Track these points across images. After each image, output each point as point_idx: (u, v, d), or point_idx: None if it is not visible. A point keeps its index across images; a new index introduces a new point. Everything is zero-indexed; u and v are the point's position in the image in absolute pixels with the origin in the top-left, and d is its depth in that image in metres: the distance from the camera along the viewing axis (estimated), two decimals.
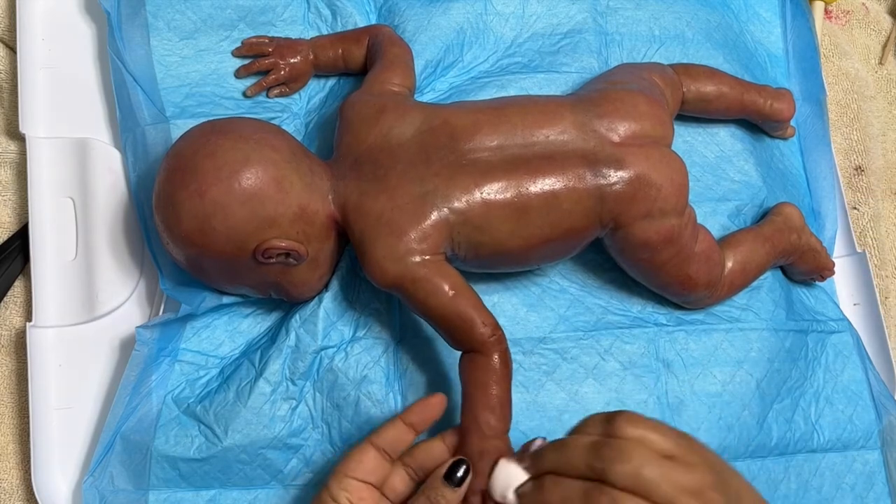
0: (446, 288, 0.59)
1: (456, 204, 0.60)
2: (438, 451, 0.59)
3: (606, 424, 0.50)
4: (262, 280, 0.64)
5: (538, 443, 0.55)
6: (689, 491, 0.47)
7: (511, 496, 0.52)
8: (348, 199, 0.62)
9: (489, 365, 0.59)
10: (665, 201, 0.62)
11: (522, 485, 0.52)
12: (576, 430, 0.52)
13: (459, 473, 0.56)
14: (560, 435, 0.63)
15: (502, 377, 0.60)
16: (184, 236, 0.60)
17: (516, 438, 0.66)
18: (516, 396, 0.65)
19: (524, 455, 0.53)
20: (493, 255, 0.63)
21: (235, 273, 0.63)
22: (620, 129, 0.63)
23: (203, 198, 0.58)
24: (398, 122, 0.64)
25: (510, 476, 0.53)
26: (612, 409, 0.66)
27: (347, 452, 0.58)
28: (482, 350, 0.59)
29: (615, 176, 0.62)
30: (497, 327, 0.60)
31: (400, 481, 0.59)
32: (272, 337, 0.67)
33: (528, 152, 0.62)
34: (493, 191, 0.61)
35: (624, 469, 0.47)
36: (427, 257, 0.60)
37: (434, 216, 0.60)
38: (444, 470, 0.57)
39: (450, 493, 0.56)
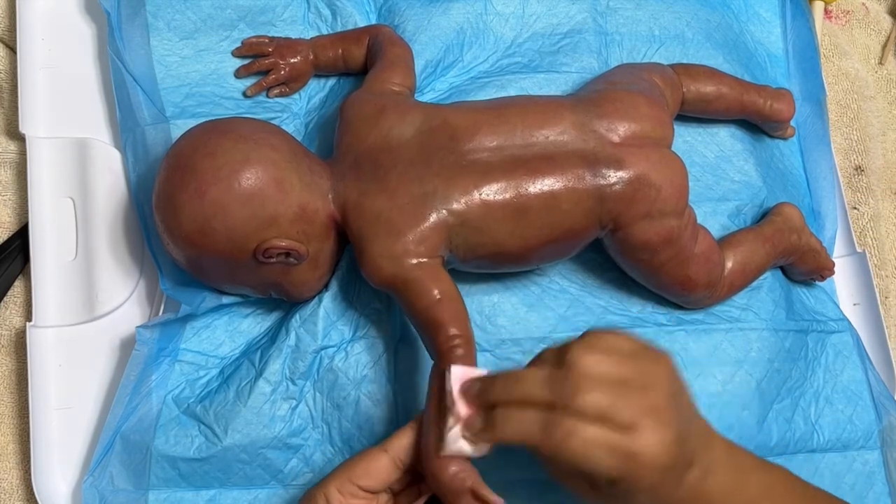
0: (434, 292, 0.59)
1: (455, 206, 0.60)
2: (411, 439, 0.58)
3: (560, 356, 0.50)
4: (262, 280, 0.64)
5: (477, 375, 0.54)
6: (646, 412, 0.48)
7: (463, 444, 0.52)
8: (348, 199, 0.62)
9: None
10: (665, 202, 0.62)
11: (471, 422, 0.52)
12: (529, 365, 0.53)
13: None
14: None
15: None
16: (184, 236, 0.60)
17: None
18: None
19: (469, 386, 0.53)
20: (493, 256, 0.63)
21: (235, 273, 0.63)
22: (620, 130, 0.63)
23: (203, 198, 0.58)
24: (398, 122, 0.64)
25: (457, 423, 0.52)
26: None
27: (357, 457, 0.57)
28: (441, 359, 0.58)
29: (615, 176, 0.62)
30: (466, 342, 0.58)
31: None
32: (272, 337, 0.67)
33: (528, 153, 0.62)
34: (492, 191, 0.61)
35: (582, 400, 0.48)
36: (423, 260, 0.60)
37: (433, 218, 0.60)
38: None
39: None
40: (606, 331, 0.52)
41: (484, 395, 0.52)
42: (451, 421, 0.53)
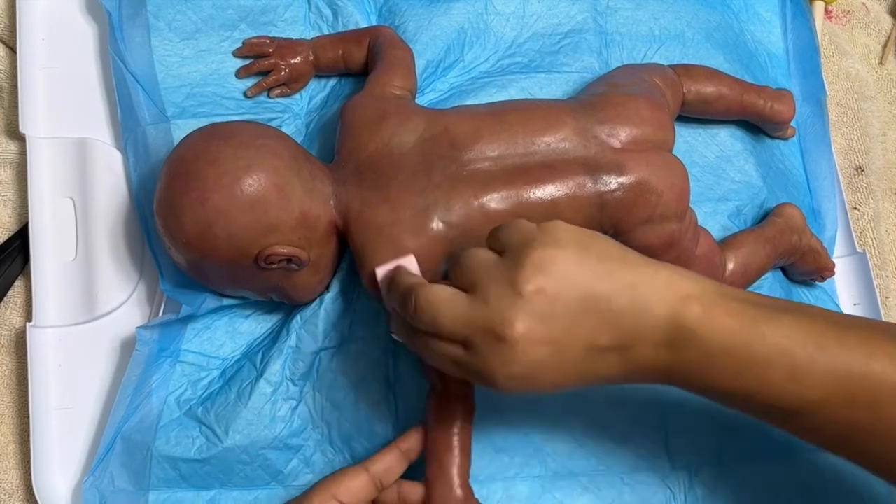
0: None
1: (455, 218, 0.60)
2: (393, 459, 0.59)
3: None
4: (264, 284, 0.64)
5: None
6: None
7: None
8: (350, 207, 0.62)
9: (449, 406, 0.59)
10: (666, 206, 0.62)
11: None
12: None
13: None
14: (572, 443, 0.64)
15: (463, 418, 0.60)
16: (185, 242, 0.60)
17: (517, 442, 0.66)
18: (513, 398, 0.66)
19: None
20: None
21: (236, 278, 0.63)
22: (622, 135, 0.63)
23: (205, 205, 0.58)
24: (400, 128, 0.63)
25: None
26: (612, 408, 0.67)
27: (339, 473, 0.58)
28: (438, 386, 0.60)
29: (616, 182, 0.62)
30: None
31: None
32: (273, 338, 0.67)
33: (529, 161, 0.62)
34: (493, 202, 0.61)
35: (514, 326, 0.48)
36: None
37: (434, 231, 0.60)
38: None
39: None
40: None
41: (404, 307, 0.52)
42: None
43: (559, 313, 0.48)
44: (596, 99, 0.66)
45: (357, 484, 0.57)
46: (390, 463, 0.58)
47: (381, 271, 0.58)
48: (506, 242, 0.50)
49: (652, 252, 0.63)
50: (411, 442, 0.59)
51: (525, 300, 0.47)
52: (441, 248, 0.60)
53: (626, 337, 0.49)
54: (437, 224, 0.60)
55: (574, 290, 0.48)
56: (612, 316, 0.48)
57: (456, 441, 0.59)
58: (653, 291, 0.49)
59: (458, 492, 0.58)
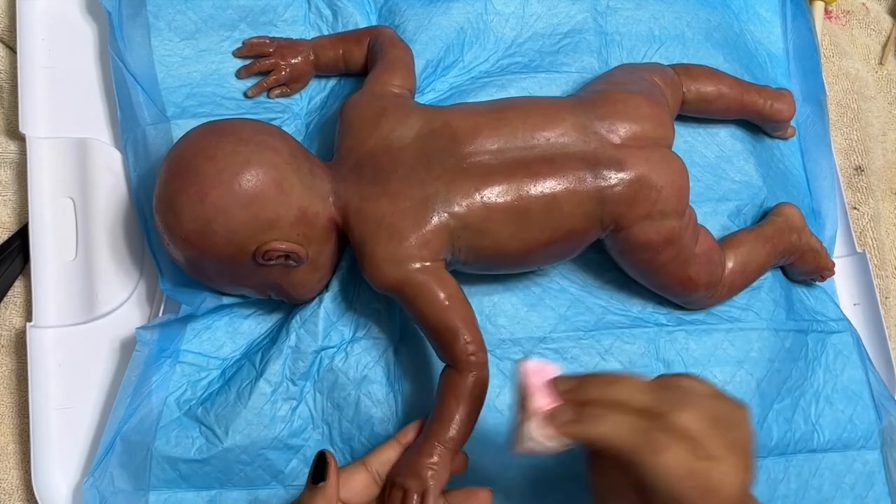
0: (442, 297, 0.60)
1: (456, 209, 0.60)
2: (393, 453, 0.58)
3: (659, 379, 0.51)
4: (263, 282, 0.64)
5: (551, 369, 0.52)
6: (732, 449, 0.48)
7: (541, 437, 0.49)
8: (349, 203, 0.62)
9: (462, 383, 0.59)
10: (665, 203, 0.62)
11: (558, 410, 0.49)
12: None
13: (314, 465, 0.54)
14: None
15: (471, 397, 0.59)
16: (184, 239, 0.60)
17: None
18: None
19: (561, 380, 0.51)
20: (494, 258, 0.63)
21: (235, 275, 0.63)
22: (621, 131, 0.63)
23: (204, 201, 0.58)
24: (399, 124, 0.63)
25: (540, 407, 0.49)
26: None
27: (338, 469, 0.56)
28: (458, 366, 0.59)
29: (615, 178, 0.62)
30: (480, 348, 0.60)
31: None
32: (273, 337, 0.67)
33: (529, 155, 0.62)
34: (493, 194, 0.61)
35: (680, 417, 0.47)
36: (427, 263, 0.60)
37: (435, 221, 0.60)
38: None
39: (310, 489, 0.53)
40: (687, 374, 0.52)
41: (576, 391, 0.50)
42: (523, 415, 0.50)
43: None
44: (595, 96, 0.66)
45: (353, 478, 0.57)
46: (390, 457, 0.58)
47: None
48: None
49: (652, 248, 0.64)
50: (411, 436, 0.59)
51: None
52: (441, 238, 0.60)
53: None
54: (437, 214, 0.60)
55: None
56: None
57: (457, 419, 0.58)
58: None
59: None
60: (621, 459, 0.48)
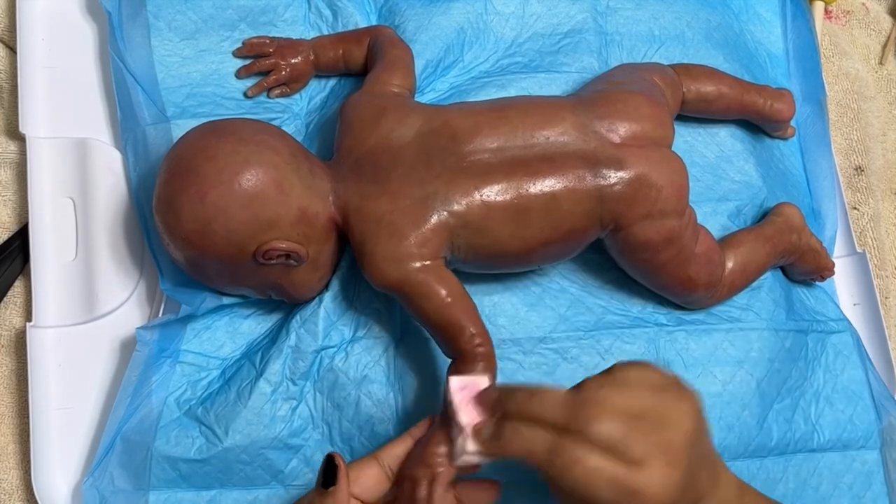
0: (443, 294, 0.60)
1: (456, 207, 0.60)
2: (404, 447, 0.57)
3: (581, 384, 0.50)
4: (263, 281, 0.64)
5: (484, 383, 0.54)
6: (657, 450, 0.48)
7: (471, 452, 0.51)
8: (349, 202, 0.62)
9: (470, 373, 0.58)
10: (665, 202, 0.62)
11: (481, 426, 0.52)
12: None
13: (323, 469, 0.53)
14: None
15: None
16: (184, 238, 0.60)
17: None
18: None
19: (485, 395, 0.53)
20: (494, 257, 0.63)
21: (236, 274, 0.63)
22: (621, 130, 0.63)
23: (203, 201, 0.58)
24: (399, 123, 0.64)
25: (471, 416, 0.52)
26: None
27: (350, 464, 0.56)
28: (465, 359, 0.59)
29: (615, 177, 0.62)
30: (486, 340, 0.60)
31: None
32: (273, 337, 0.67)
33: (529, 154, 0.62)
34: (493, 193, 0.61)
35: (595, 429, 0.47)
36: (427, 262, 0.60)
37: (434, 220, 0.60)
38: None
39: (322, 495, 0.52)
40: (635, 363, 0.52)
41: (499, 405, 0.51)
42: (454, 430, 0.53)
43: None
44: (595, 95, 0.66)
45: (368, 473, 0.56)
46: (402, 452, 0.57)
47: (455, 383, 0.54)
48: None
49: (652, 248, 0.64)
50: (423, 430, 0.58)
51: None
52: (441, 236, 0.60)
53: None
54: (437, 213, 0.60)
55: None
56: None
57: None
58: None
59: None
60: (542, 474, 0.48)
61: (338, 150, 0.65)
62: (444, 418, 0.55)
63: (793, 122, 0.79)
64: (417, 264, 0.60)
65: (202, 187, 0.58)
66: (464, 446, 0.52)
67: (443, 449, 0.55)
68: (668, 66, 0.73)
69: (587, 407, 0.48)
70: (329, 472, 0.52)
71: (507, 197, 0.61)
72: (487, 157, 0.62)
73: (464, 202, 0.61)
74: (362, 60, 0.72)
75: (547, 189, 0.61)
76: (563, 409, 0.49)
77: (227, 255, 0.60)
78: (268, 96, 0.73)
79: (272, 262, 0.61)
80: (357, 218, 0.62)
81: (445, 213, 0.60)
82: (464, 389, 0.53)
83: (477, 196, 0.61)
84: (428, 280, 0.60)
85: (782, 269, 0.75)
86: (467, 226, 0.61)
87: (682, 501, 0.49)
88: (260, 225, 0.59)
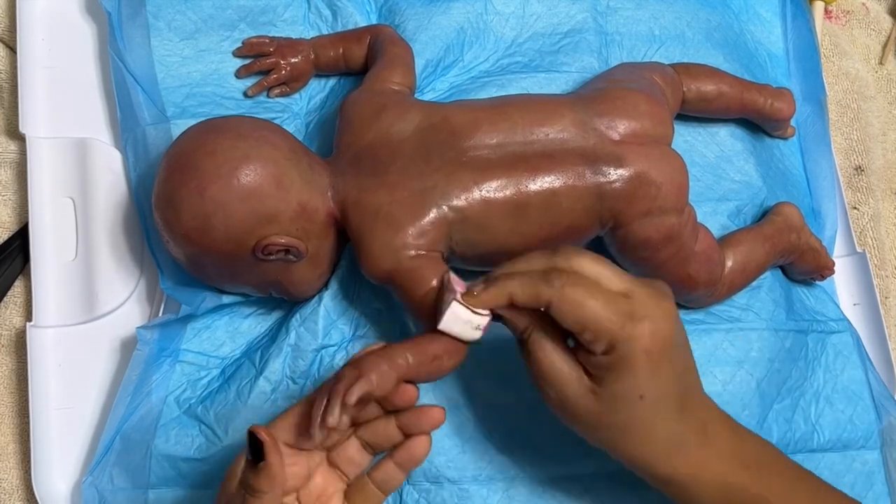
0: (434, 282, 0.59)
1: (455, 202, 0.60)
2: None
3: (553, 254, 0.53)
4: (262, 278, 0.64)
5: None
6: (648, 297, 0.51)
7: (461, 313, 0.53)
8: (347, 196, 0.62)
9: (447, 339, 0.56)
10: (665, 199, 0.62)
11: (472, 288, 0.53)
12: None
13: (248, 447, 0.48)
14: (573, 445, 0.64)
15: (448, 352, 0.56)
16: (184, 234, 0.60)
17: (517, 442, 0.66)
18: (515, 398, 0.65)
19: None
20: (493, 254, 0.63)
21: (235, 271, 0.63)
22: (620, 128, 0.63)
23: (203, 196, 0.58)
24: (398, 119, 0.64)
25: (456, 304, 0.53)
26: None
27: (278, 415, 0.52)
28: None
29: (615, 174, 0.62)
30: None
31: (355, 451, 0.54)
32: (273, 336, 0.67)
33: (528, 150, 0.62)
34: (492, 188, 0.61)
35: (580, 263, 0.52)
36: (422, 252, 0.60)
37: (433, 213, 0.60)
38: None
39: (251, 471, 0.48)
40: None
41: (486, 277, 0.54)
42: (447, 296, 0.54)
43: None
44: (595, 93, 0.66)
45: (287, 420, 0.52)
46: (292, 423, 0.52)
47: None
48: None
49: (651, 246, 0.63)
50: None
51: None
52: (439, 230, 0.60)
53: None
54: (436, 206, 0.60)
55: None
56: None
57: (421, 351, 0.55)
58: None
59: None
60: (537, 313, 0.51)
61: (337, 147, 0.65)
62: (394, 346, 0.54)
63: (793, 122, 0.79)
64: (412, 252, 0.59)
65: (201, 182, 0.58)
66: (454, 308, 0.53)
67: (381, 362, 0.52)
68: (668, 65, 0.73)
69: (568, 253, 0.52)
70: (255, 447, 0.48)
71: (507, 192, 0.61)
72: (487, 153, 0.62)
73: (463, 196, 0.61)
74: (362, 59, 0.72)
75: (546, 185, 0.61)
76: (547, 257, 0.52)
77: (226, 250, 0.60)
78: (268, 96, 0.73)
79: (272, 257, 0.61)
80: (355, 211, 0.62)
81: (444, 207, 0.60)
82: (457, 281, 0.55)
83: (476, 190, 0.61)
84: (420, 267, 0.59)
85: (782, 268, 0.75)
86: (466, 220, 0.61)
87: (672, 373, 0.52)
88: (259, 220, 0.59)
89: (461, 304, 0.53)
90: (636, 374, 0.51)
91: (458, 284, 0.55)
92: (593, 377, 0.52)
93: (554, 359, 0.52)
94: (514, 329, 0.54)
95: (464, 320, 0.53)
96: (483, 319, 0.53)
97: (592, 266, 0.52)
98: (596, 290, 0.50)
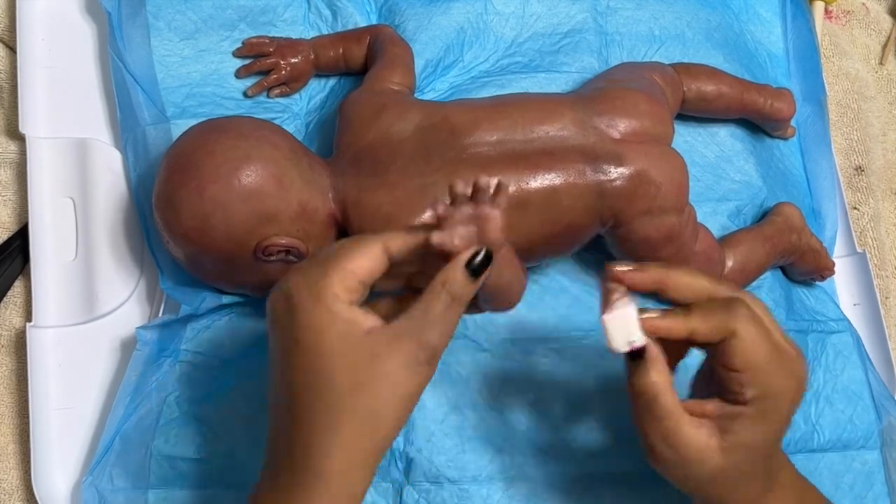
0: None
1: None
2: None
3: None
4: (262, 279, 0.63)
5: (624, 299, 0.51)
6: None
7: (638, 332, 0.50)
8: (348, 195, 0.62)
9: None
10: (665, 199, 0.63)
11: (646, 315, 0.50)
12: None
13: (479, 259, 0.47)
14: (574, 445, 0.63)
15: (514, 283, 0.56)
16: (184, 234, 0.60)
17: (517, 442, 0.66)
18: (515, 397, 0.65)
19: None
20: None
21: (235, 271, 0.63)
22: (620, 126, 0.63)
23: (203, 195, 0.58)
24: (398, 119, 0.64)
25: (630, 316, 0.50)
26: (612, 407, 0.67)
27: (347, 246, 0.49)
28: None
29: (615, 172, 0.62)
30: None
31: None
32: None
33: (529, 147, 0.62)
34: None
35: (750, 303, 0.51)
36: None
37: (432, 211, 0.60)
38: (465, 257, 0.47)
39: (467, 284, 0.47)
40: None
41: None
42: (627, 298, 0.51)
43: None
44: (594, 93, 0.66)
45: (369, 258, 0.49)
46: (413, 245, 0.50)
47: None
48: None
49: (651, 245, 0.63)
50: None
51: None
52: None
53: None
54: (435, 202, 0.60)
55: None
56: None
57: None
58: None
59: None
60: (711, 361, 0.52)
61: (337, 147, 0.65)
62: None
63: (793, 122, 0.79)
64: None
65: (201, 182, 0.58)
66: (632, 307, 0.50)
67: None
68: (669, 65, 0.73)
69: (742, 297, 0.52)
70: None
71: (508, 189, 0.61)
72: (487, 150, 0.62)
73: None
74: (362, 59, 0.72)
75: (547, 183, 0.61)
76: (715, 281, 0.53)
77: (226, 251, 0.60)
78: (268, 96, 0.73)
79: (272, 258, 0.61)
80: (355, 210, 0.62)
81: (444, 203, 0.60)
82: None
83: None
84: None
85: (782, 268, 0.75)
86: None
87: (781, 431, 0.52)
88: (259, 220, 0.59)
89: (637, 316, 0.50)
90: (776, 426, 0.51)
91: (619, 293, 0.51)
92: (718, 426, 0.50)
93: (686, 431, 0.50)
94: (635, 372, 0.51)
95: (625, 329, 0.50)
96: (640, 341, 0.50)
97: (762, 306, 0.52)
98: (767, 333, 0.50)
